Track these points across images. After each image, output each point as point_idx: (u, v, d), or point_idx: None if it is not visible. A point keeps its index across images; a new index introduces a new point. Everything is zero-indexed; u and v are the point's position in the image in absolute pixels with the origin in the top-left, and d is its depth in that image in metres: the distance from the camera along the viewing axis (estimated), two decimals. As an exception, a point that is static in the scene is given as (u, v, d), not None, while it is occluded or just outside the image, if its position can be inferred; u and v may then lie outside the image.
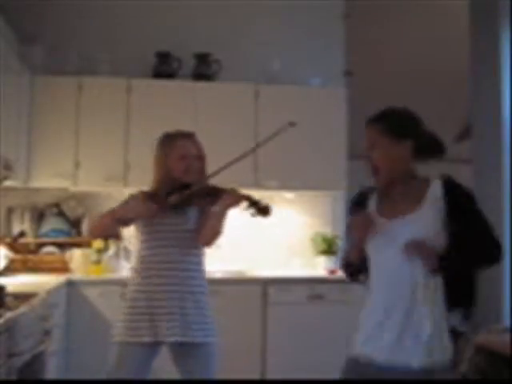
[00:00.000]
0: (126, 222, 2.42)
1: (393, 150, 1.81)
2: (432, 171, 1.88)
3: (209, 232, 2.40)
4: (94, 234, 2.64)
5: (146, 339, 2.31)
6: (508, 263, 3.84)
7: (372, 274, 1.87)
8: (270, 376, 3.92)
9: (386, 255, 1.80)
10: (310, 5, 4.77)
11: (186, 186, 2.39)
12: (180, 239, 2.41)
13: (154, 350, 2.37)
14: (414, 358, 1.71)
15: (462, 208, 1.77)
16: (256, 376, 3.90)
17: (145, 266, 2.41)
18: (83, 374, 3.57)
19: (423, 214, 1.78)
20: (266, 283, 3.99)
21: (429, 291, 1.73)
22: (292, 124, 2.43)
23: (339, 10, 4.83)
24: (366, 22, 5.43)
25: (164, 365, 2.48)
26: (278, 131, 2.42)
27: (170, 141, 2.50)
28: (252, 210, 2.41)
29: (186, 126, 4.03)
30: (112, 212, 2.38)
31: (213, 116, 4.21)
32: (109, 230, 2.54)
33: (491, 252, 1.79)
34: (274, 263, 4.45)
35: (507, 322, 3.75)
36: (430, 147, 1.86)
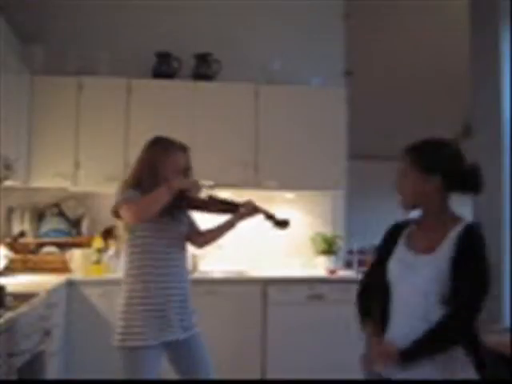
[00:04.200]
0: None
1: (419, 185, 1.79)
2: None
3: (209, 239, 2.65)
4: (149, 213, 2.29)
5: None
6: (508, 263, 3.83)
7: (391, 301, 1.87)
8: (270, 376, 3.91)
9: (404, 288, 1.81)
10: (309, 5, 4.77)
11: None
12: (178, 242, 2.53)
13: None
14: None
15: (465, 262, 1.71)
16: (256, 376, 3.90)
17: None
18: (83, 374, 3.57)
19: (439, 256, 1.75)
20: (266, 283, 3.98)
21: None
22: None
23: (339, 10, 4.84)
24: (366, 22, 5.43)
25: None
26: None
27: (166, 149, 2.47)
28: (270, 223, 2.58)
29: (185, 126, 4.09)
30: (167, 185, 2.29)
31: (213, 116, 4.21)
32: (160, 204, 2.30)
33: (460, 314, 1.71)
34: (274, 263, 4.46)
35: (507, 322, 3.75)
36: (462, 183, 1.80)
